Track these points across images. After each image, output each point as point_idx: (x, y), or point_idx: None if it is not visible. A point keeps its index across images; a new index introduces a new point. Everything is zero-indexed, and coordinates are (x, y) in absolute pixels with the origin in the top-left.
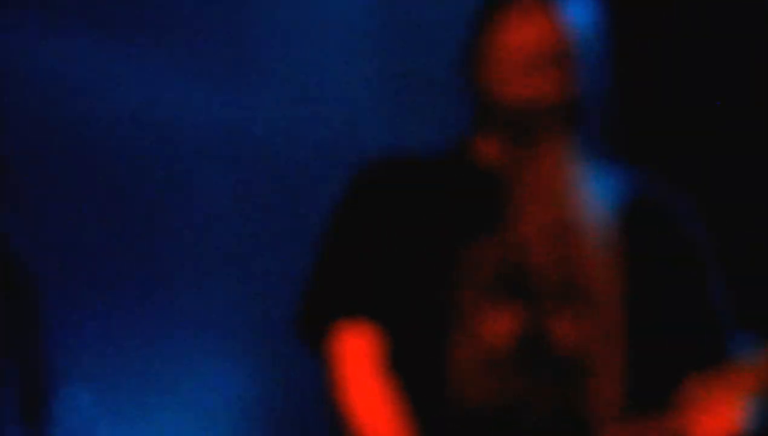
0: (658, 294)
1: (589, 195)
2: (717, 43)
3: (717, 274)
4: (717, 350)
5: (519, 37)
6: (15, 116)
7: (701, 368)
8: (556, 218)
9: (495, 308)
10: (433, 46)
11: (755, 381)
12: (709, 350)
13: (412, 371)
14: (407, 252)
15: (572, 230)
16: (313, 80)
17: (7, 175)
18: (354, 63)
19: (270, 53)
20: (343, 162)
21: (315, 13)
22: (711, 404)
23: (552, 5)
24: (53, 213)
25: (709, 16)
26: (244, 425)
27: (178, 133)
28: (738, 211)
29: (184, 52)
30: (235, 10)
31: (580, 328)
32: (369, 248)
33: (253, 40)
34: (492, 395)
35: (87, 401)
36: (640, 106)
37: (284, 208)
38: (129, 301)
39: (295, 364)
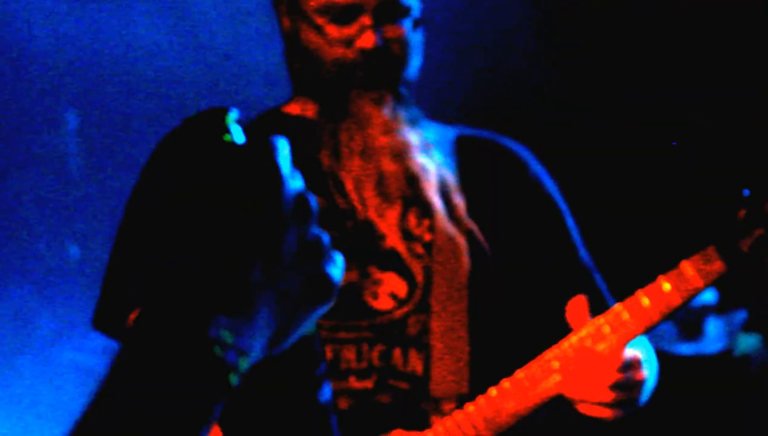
0: (516, 251)
1: (422, 153)
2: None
3: (572, 219)
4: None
5: None
6: None
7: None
8: (386, 178)
9: None
10: None
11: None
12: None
13: None
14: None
15: (405, 188)
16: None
17: None
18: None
19: None
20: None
21: None
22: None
23: None
24: None
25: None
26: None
27: None
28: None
29: None
30: None
31: (415, 296)
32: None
33: None
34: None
35: None
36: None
37: None
38: None
39: None
